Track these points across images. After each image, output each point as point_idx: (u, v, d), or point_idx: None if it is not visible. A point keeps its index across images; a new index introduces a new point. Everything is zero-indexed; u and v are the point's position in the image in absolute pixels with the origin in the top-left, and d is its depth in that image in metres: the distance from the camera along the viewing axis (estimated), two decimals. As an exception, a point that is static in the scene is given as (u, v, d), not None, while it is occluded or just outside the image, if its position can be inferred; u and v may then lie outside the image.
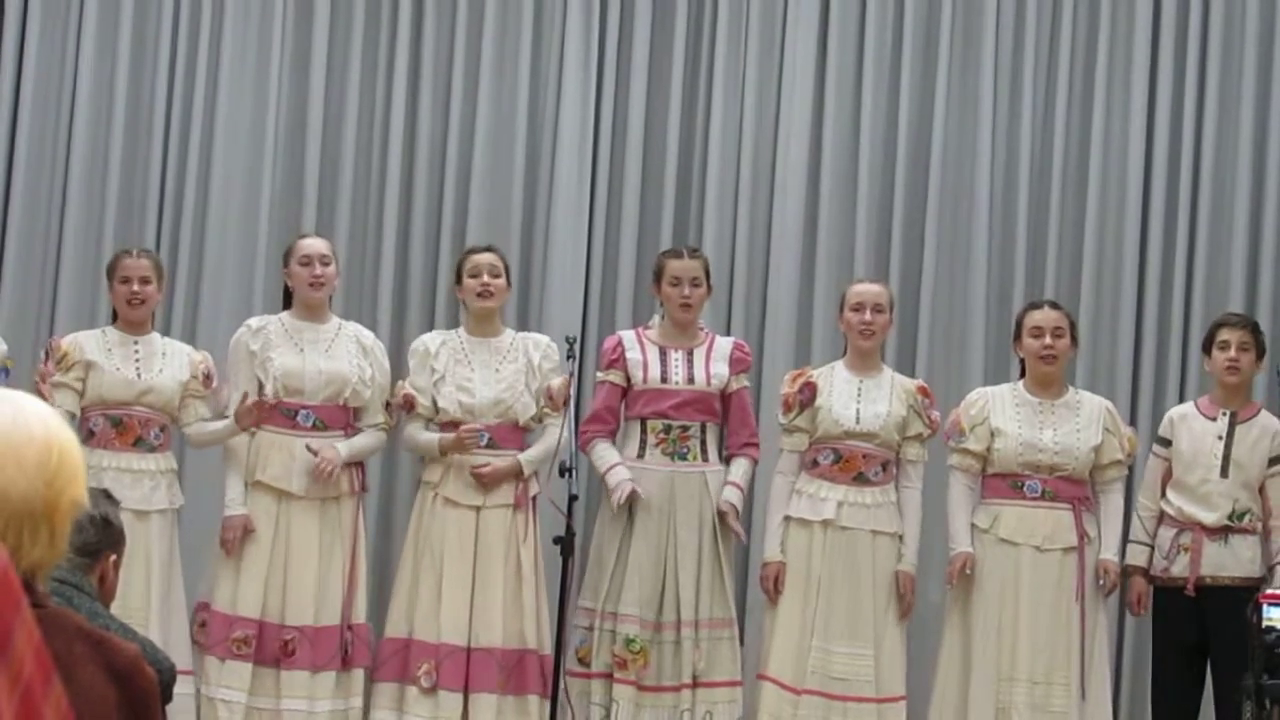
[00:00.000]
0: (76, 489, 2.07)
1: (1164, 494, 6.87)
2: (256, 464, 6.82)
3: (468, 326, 7.08)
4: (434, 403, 6.94)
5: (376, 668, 6.86)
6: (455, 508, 6.85)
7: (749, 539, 7.37)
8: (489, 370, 6.96)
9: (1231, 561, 6.74)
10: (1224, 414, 6.86)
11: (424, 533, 6.87)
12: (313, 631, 6.75)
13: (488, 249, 7.11)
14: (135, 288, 6.81)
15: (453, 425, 6.90)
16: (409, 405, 6.96)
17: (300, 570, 6.77)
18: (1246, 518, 6.77)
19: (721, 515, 6.85)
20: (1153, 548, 6.86)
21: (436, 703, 6.75)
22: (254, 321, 7.02)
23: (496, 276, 6.98)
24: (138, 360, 6.81)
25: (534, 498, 6.90)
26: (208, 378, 6.89)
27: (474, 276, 6.98)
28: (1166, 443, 6.91)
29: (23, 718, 1.72)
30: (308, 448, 6.77)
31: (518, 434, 6.94)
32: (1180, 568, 6.78)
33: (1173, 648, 6.82)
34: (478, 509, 6.85)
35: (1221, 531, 6.76)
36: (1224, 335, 6.90)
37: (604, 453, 6.89)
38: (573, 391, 6.76)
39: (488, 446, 6.89)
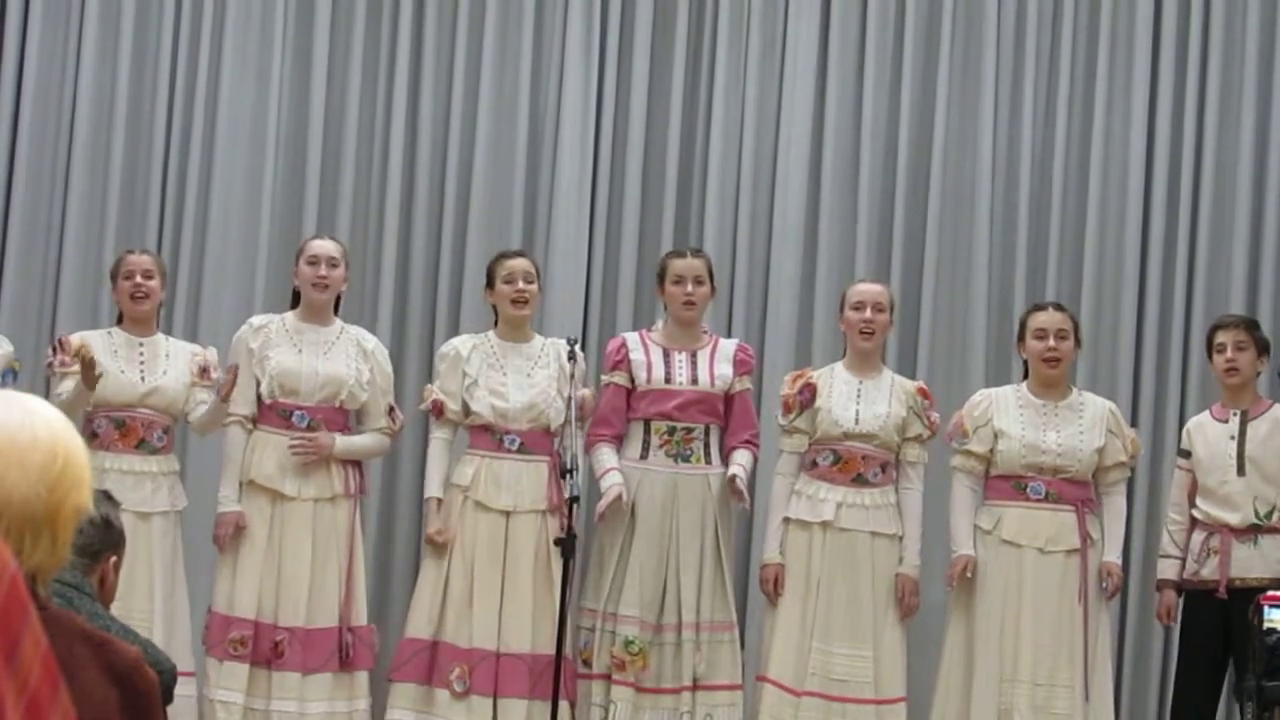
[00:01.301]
0: (80, 496, 2.05)
1: (1194, 504, 6.86)
2: (250, 463, 6.82)
3: (499, 331, 7.04)
4: (464, 407, 6.91)
5: (395, 668, 6.84)
6: (486, 512, 6.83)
7: (749, 541, 7.37)
8: (521, 375, 6.93)
9: (1259, 563, 6.71)
10: (1234, 414, 6.86)
11: (453, 536, 6.85)
12: (303, 633, 6.73)
13: (520, 254, 7.10)
14: (138, 280, 6.81)
15: (485, 429, 6.85)
16: (437, 411, 6.94)
17: (293, 571, 6.74)
18: (1274, 515, 6.75)
19: (731, 480, 6.82)
20: (1183, 560, 6.84)
21: (469, 707, 6.72)
22: (256, 320, 7.01)
23: (531, 283, 6.96)
24: (142, 363, 6.80)
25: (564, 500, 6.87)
26: (204, 370, 6.87)
27: (509, 283, 6.93)
28: (1186, 454, 6.92)
29: (29, 726, 1.71)
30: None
31: (548, 439, 6.90)
32: (1210, 570, 6.76)
33: (1198, 653, 6.79)
34: (508, 514, 6.83)
35: (1250, 532, 6.74)
36: (1220, 338, 6.90)
37: (604, 456, 6.88)
38: (573, 393, 6.73)
39: (519, 451, 6.88)
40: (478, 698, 6.72)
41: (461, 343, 7.04)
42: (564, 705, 6.63)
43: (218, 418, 6.78)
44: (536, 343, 7.03)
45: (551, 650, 6.67)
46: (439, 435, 6.95)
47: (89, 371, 6.52)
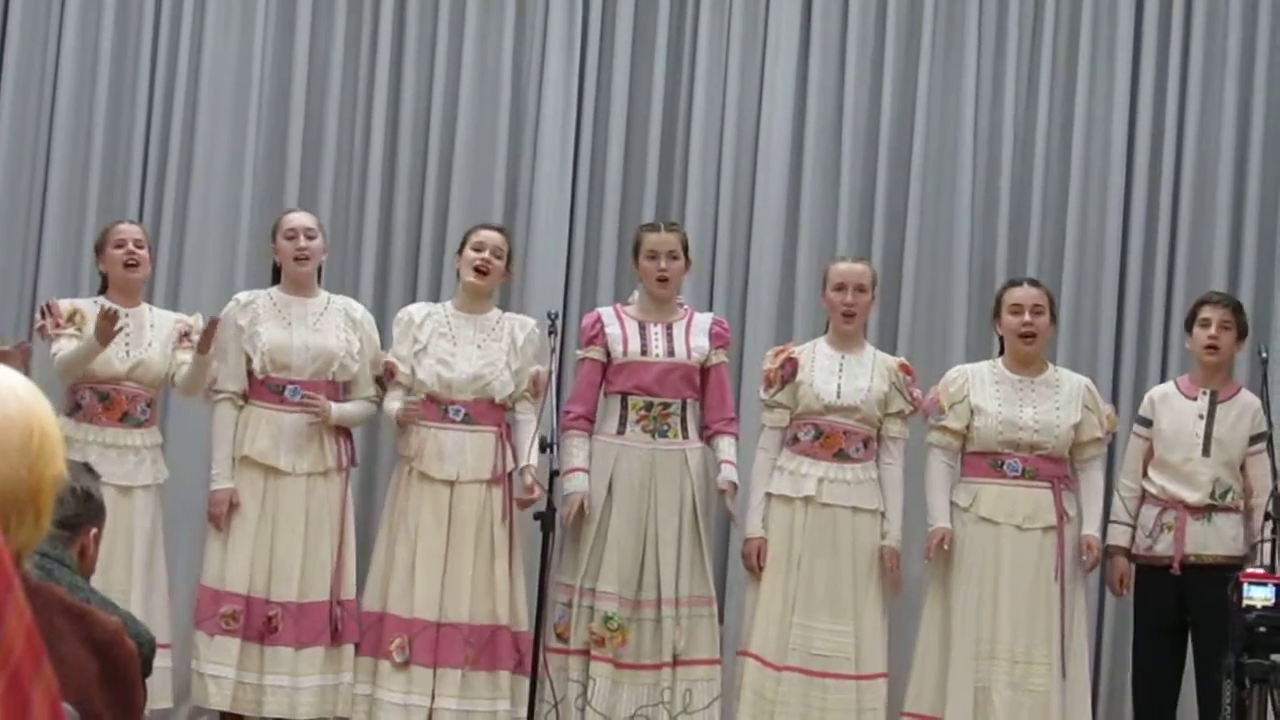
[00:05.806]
0: (57, 466, 2.00)
1: (1145, 474, 6.87)
2: (244, 438, 6.81)
3: (457, 301, 7.06)
4: (413, 372, 6.93)
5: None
6: (430, 482, 6.84)
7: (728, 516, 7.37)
8: (472, 346, 6.94)
9: (1215, 540, 6.74)
10: (1204, 393, 6.87)
11: (399, 507, 6.86)
12: (296, 608, 6.74)
13: (498, 229, 7.11)
14: (131, 248, 6.79)
15: (431, 400, 6.88)
16: (389, 373, 6.94)
17: (286, 546, 6.75)
18: (1229, 496, 6.78)
19: (722, 494, 6.84)
20: (1134, 527, 6.87)
21: (409, 678, 6.74)
22: (242, 296, 7.01)
23: (499, 258, 6.96)
24: (127, 336, 6.76)
25: (509, 474, 6.88)
26: (185, 336, 6.83)
27: (477, 250, 6.95)
28: (1147, 423, 6.92)
29: (10, 699, 1.70)
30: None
31: (494, 411, 6.91)
32: (1164, 546, 6.78)
33: (1153, 627, 6.82)
34: (452, 484, 6.84)
35: (1205, 510, 6.76)
36: (1205, 314, 6.90)
37: (573, 452, 6.85)
38: (554, 368, 6.74)
39: (463, 421, 6.88)
40: (418, 668, 6.73)
41: (416, 309, 7.08)
42: (515, 677, 6.66)
43: (200, 375, 6.73)
44: (493, 315, 7.03)
45: (493, 621, 6.73)
46: (391, 394, 6.95)
47: (108, 325, 6.46)
